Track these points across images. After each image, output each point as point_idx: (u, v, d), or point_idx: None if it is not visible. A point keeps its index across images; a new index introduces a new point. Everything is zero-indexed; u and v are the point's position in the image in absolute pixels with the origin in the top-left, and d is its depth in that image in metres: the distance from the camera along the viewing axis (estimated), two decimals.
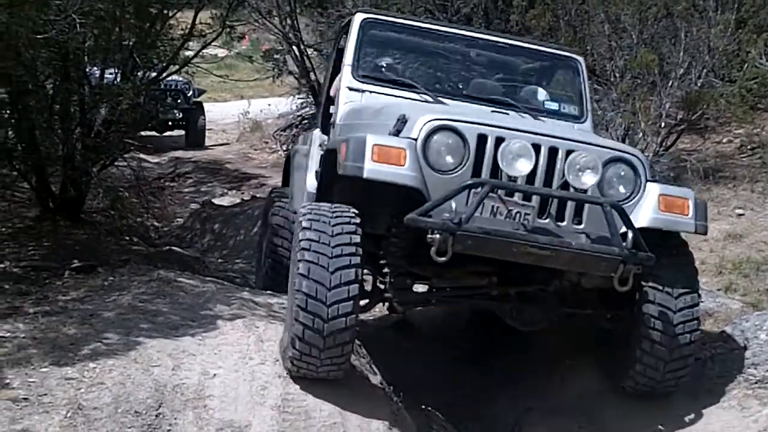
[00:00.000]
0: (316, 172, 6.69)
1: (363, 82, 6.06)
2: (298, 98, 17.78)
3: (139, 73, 9.42)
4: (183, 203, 13.75)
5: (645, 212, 4.84)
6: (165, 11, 8.80)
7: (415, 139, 4.69)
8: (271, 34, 16.00)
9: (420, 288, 5.59)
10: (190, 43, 9.91)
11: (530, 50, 6.98)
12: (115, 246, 8.91)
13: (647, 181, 4.93)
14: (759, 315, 5.82)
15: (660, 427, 5.32)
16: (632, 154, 5.00)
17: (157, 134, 17.15)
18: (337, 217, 4.73)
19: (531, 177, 4.76)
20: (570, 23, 10.39)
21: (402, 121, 4.86)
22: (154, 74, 9.70)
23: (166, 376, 4.80)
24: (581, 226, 4.78)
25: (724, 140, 11.96)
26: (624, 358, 5.23)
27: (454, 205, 4.51)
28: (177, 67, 9.92)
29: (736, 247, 7.88)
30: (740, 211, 8.98)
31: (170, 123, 17.56)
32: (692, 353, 5.09)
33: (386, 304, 5.45)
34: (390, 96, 5.97)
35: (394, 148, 4.62)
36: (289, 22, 15.70)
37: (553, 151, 4.79)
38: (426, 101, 5.94)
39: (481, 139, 4.73)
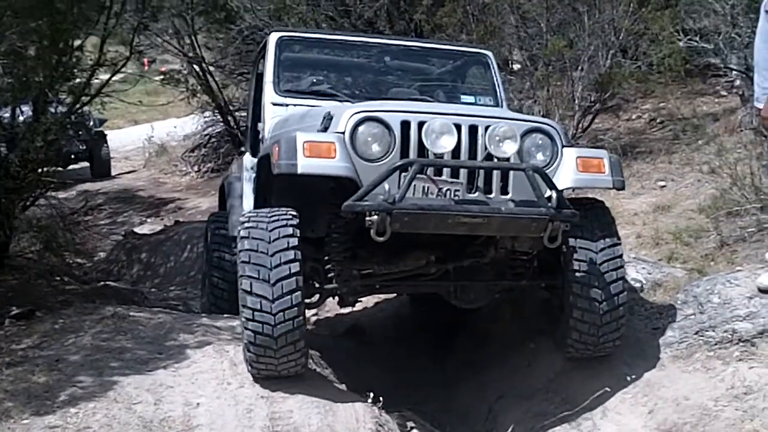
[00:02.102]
0: (253, 189, 6.82)
1: (285, 96, 6.30)
2: (204, 117, 17.71)
3: (51, 109, 9.25)
4: (102, 236, 13.55)
5: (565, 174, 5.13)
6: (72, 42, 8.64)
7: (343, 133, 4.89)
8: (171, 55, 15.83)
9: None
10: (99, 73, 9.76)
11: (442, 51, 7.39)
12: (48, 288, 8.74)
13: (564, 146, 5.22)
14: (708, 280, 6.04)
15: (630, 396, 5.48)
16: (547, 124, 5.31)
17: (61, 168, 16.80)
18: (274, 221, 4.95)
19: (456, 153, 4.99)
20: (479, 18, 10.58)
21: (328, 118, 5.07)
22: (65, 108, 9.54)
23: (150, 411, 4.83)
24: (508, 196, 5.02)
25: (634, 116, 12.39)
26: (561, 319, 5.51)
27: (387, 186, 4.72)
28: (88, 99, 9.72)
29: (666, 218, 8.15)
30: (662, 183, 9.28)
31: (73, 156, 17.23)
32: (622, 307, 5.34)
33: (336, 298, 5.73)
34: (310, 106, 6.15)
35: (324, 143, 4.82)
36: (188, 41, 15.66)
37: (473, 128, 5.03)
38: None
39: (405, 125, 4.94)
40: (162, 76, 16.66)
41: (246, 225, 4.95)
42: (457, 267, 5.53)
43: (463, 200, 4.91)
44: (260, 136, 6.28)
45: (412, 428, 5.62)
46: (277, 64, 6.40)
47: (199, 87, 16.45)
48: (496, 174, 5.02)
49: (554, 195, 4.90)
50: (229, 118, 16.93)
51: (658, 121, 11.91)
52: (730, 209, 7.32)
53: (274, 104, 6.25)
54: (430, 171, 4.90)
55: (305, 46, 6.94)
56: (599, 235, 5.32)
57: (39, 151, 8.85)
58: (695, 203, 8.10)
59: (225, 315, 6.69)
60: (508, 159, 5.00)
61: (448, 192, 4.91)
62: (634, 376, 5.61)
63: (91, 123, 16.95)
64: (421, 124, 4.91)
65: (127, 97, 10.66)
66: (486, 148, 4.97)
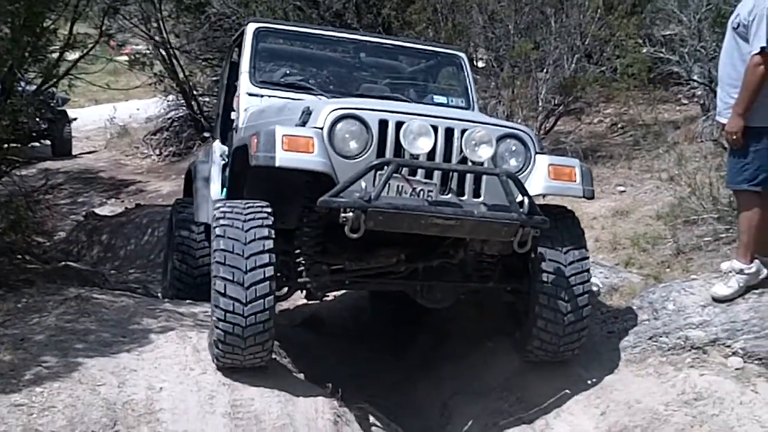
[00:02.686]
0: (223, 179, 6.87)
1: (261, 87, 6.33)
2: (167, 101, 17.68)
3: (18, 88, 9.21)
4: (62, 216, 13.47)
5: (537, 181, 5.22)
6: (46, 24, 8.62)
7: (321, 128, 4.93)
8: (138, 38, 15.77)
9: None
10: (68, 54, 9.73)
11: (416, 50, 7.45)
12: (9, 266, 8.70)
13: (536, 153, 5.31)
14: (664, 287, 6.19)
15: (584, 398, 5.60)
16: (521, 130, 5.38)
17: (22, 146, 16.66)
18: (250, 219, 4.99)
19: (431, 155, 5.06)
20: (447, 17, 10.69)
21: (307, 113, 5.11)
22: (33, 88, 9.52)
23: (113, 394, 4.88)
24: (480, 199, 5.11)
25: (596, 121, 12.56)
26: (524, 324, 5.62)
27: (363, 184, 4.81)
28: (55, 79, 9.69)
29: (625, 223, 8.31)
30: (621, 188, 9.45)
31: (34, 134, 17.07)
32: (586, 315, 5.46)
33: (303, 291, 5.78)
34: (287, 99, 6.20)
35: (303, 137, 4.86)
36: (155, 25, 15.63)
37: (449, 131, 5.10)
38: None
39: (383, 124, 5.00)
40: (126, 58, 16.61)
41: (221, 222, 4.97)
42: (426, 266, 5.61)
43: (436, 201, 4.96)
44: (234, 125, 6.31)
45: (368, 421, 5.69)
46: (253, 54, 6.43)
47: (164, 71, 16.44)
48: (469, 177, 5.09)
49: (526, 201, 5.00)
50: (193, 103, 16.94)
51: (619, 126, 12.11)
52: (688, 218, 7.48)
53: (250, 94, 6.28)
54: (404, 171, 4.97)
55: (282, 38, 6.99)
56: (569, 246, 5.41)
57: (6, 129, 8.83)
58: (653, 210, 8.25)
59: (187, 301, 6.73)
60: (482, 163, 5.08)
61: (422, 192, 4.96)
62: (588, 379, 5.73)
63: (54, 102, 16.96)
64: (399, 124, 4.98)
65: (93, 79, 10.61)
66: (461, 152, 5.06)
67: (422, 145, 4.94)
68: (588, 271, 5.49)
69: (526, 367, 5.99)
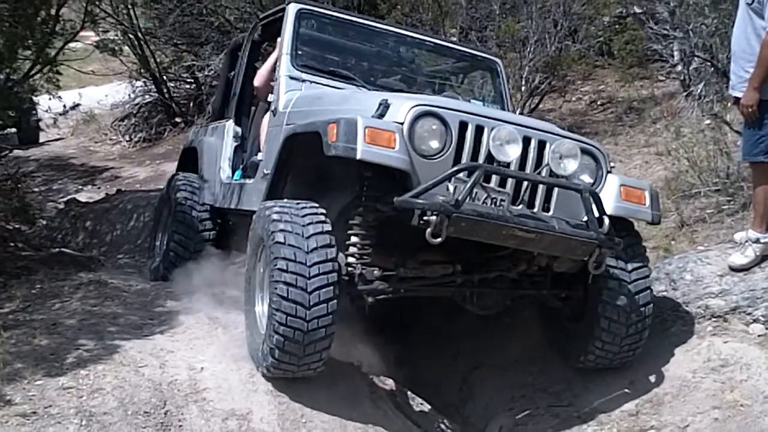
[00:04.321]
0: (236, 161, 6.87)
1: (302, 72, 6.12)
2: (135, 87, 17.55)
3: (1, 75, 9.10)
4: (38, 204, 13.29)
5: (608, 201, 5.08)
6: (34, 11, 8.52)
7: (402, 123, 4.73)
8: (107, 23, 15.57)
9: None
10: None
11: (454, 50, 7.29)
12: (4, 254, 8.65)
13: (607, 172, 5.24)
14: (680, 258, 6.30)
15: (610, 369, 5.65)
16: (596, 147, 5.29)
17: None
18: (309, 224, 4.79)
19: (522, 165, 4.92)
20: None
21: (385, 106, 4.89)
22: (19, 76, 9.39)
23: (157, 374, 4.90)
24: (549, 213, 5.00)
25: (574, 98, 12.70)
26: (579, 336, 5.51)
27: (451, 188, 4.60)
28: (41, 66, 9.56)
29: None
30: (611, 164, 9.55)
31: (1, 122, 16.80)
32: (647, 325, 5.43)
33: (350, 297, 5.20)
34: (328, 86, 6.08)
35: (386, 131, 4.64)
36: (124, 9, 15.50)
37: (541, 142, 4.96)
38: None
39: (463, 126, 4.85)
40: (95, 43, 16.39)
41: (280, 227, 4.77)
42: (483, 277, 5.39)
43: (520, 213, 4.83)
44: (272, 107, 6.12)
45: (401, 398, 5.74)
46: (295, 37, 6.20)
47: (134, 56, 16.33)
48: (541, 189, 4.96)
49: (606, 221, 4.85)
50: (164, 88, 16.83)
51: (599, 103, 12.27)
52: (687, 191, 7.64)
53: (291, 78, 6.06)
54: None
55: (323, 22, 6.62)
56: (632, 256, 5.34)
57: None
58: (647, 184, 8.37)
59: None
60: (566, 177, 4.92)
61: (495, 200, 4.77)
62: None
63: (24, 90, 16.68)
64: (479, 128, 4.84)
65: (68, 67, 10.44)
66: (543, 162, 4.93)
67: (512, 153, 4.79)
68: (650, 284, 5.47)
69: (546, 341, 6.05)
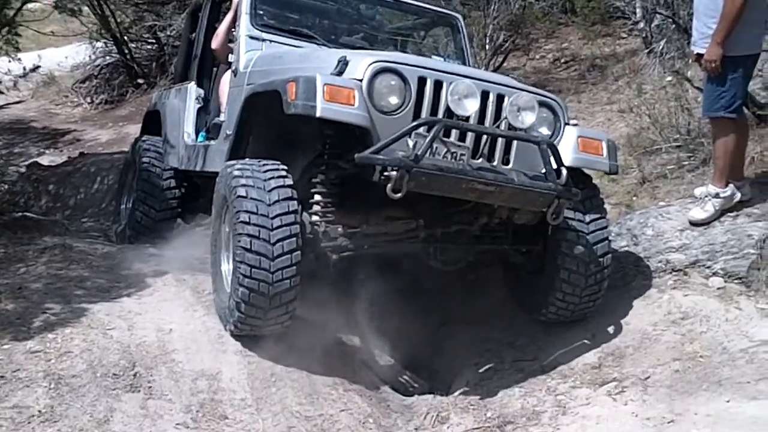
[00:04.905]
0: (199, 123, 6.87)
1: (262, 31, 6.12)
2: (95, 48, 17.36)
3: None
4: (1, 168, 13.18)
5: (566, 152, 5.14)
6: None
7: (360, 80, 4.75)
8: None
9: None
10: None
11: (415, 7, 7.22)
12: None
13: (565, 124, 5.29)
14: (641, 213, 6.42)
15: (573, 322, 5.75)
16: (554, 99, 5.33)
17: None
18: (270, 179, 4.86)
19: (480, 118, 4.96)
20: None
21: (344, 63, 4.90)
22: None
23: (126, 337, 4.94)
24: (509, 166, 5.05)
25: (538, 57, 12.73)
26: (540, 289, 5.61)
27: (411, 143, 4.65)
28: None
29: None
30: (574, 122, 9.58)
31: None
32: (606, 276, 5.54)
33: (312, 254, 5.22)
34: (288, 45, 6.08)
35: (345, 88, 4.66)
36: None
37: (499, 96, 5.00)
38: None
39: (421, 81, 4.87)
40: (54, 3, 16.18)
41: (242, 182, 4.85)
42: (444, 232, 5.45)
43: (480, 166, 4.87)
44: (233, 68, 6.13)
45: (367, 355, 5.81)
46: None
47: (93, 16, 16.14)
48: (500, 143, 5.00)
49: (563, 172, 4.95)
50: (125, 49, 16.66)
51: (562, 61, 12.31)
52: (648, 147, 7.73)
53: (251, 37, 6.07)
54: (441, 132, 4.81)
55: None
56: (590, 210, 5.43)
57: None
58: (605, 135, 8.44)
59: (171, 246, 6.74)
60: (524, 129, 4.97)
61: (455, 154, 4.81)
62: None
63: None
64: (438, 83, 4.86)
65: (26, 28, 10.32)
66: (501, 116, 4.96)
67: (469, 107, 4.82)
68: (608, 234, 5.55)
69: (510, 297, 6.13)
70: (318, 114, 4.61)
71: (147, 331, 5.03)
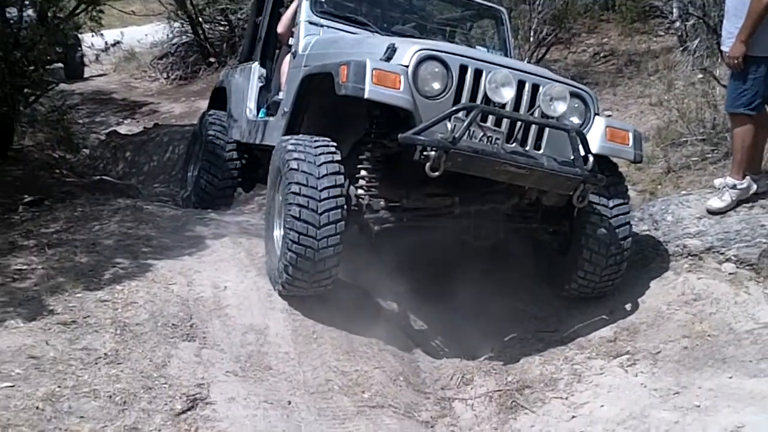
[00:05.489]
0: (260, 101, 6.97)
1: (321, 17, 6.19)
2: (172, 28, 17.59)
3: (49, 13, 9.16)
4: (82, 135, 13.44)
5: (594, 141, 5.15)
6: None
7: (407, 66, 4.82)
8: None
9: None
10: None
11: (463, 1, 7.30)
12: (51, 179, 8.84)
13: (595, 114, 5.30)
14: (663, 200, 6.41)
15: (594, 299, 5.81)
16: (585, 91, 5.34)
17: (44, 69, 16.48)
18: (321, 152, 4.97)
19: (516, 105, 4.98)
20: None
21: (392, 49, 4.98)
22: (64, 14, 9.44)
23: (185, 291, 5.10)
24: (540, 151, 5.09)
25: (579, 50, 12.64)
26: (564, 267, 5.67)
27: (450, 126, 4.75)
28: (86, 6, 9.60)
29: None
30: (608, 113, 9.57)
31: (49, 57, 16.87)
32: (626, 258, 5.57)
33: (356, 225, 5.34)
34: (344, 31, 6.15)
35: (391, 73, 4.74)
36: None
37: (534, 85, 5.03)
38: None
39: (462, 69, 4.90)
40: None
41: (294, 155, 4.95)
42: (478, 209, 5.48)
43: (513, 150, 4.92)
44: (293, 50, 6.19)
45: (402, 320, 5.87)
46: None
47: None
48: (533, 129, 5.02)
49: (590, 158, 5.01)
50: (199, 30, 16.86)
51: (601, 55, 12.23)
52: (676, 139, 7.70)
53: (310, 23, 6.14)
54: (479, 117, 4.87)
55: None
56: (614, 194, 5.45)
57: (42, 52, 8.86)
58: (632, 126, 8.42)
59: (229, 211, 6.88)
60: (556, 118, 4.99)
61: (491, 139, 4.91)
62: None
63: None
64: (478, 72, 4.91)
65: (110, 7, 10.48)
66: (535, 104, 4.99)
67: (506, 95, 4.86)
68: (630, 219, 5.57)
69: (537, 272, 6.17)
70: (366, 96, 4.70)
71: (204, 287, 5.17)
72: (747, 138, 5.86)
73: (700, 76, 8.59)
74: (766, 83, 5.84)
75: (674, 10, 10.58)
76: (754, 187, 5.98)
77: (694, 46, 9.69)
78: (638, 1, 10.13)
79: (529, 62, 10.39)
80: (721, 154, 7.09)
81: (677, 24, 10.76)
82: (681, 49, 10.34)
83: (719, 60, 7.64)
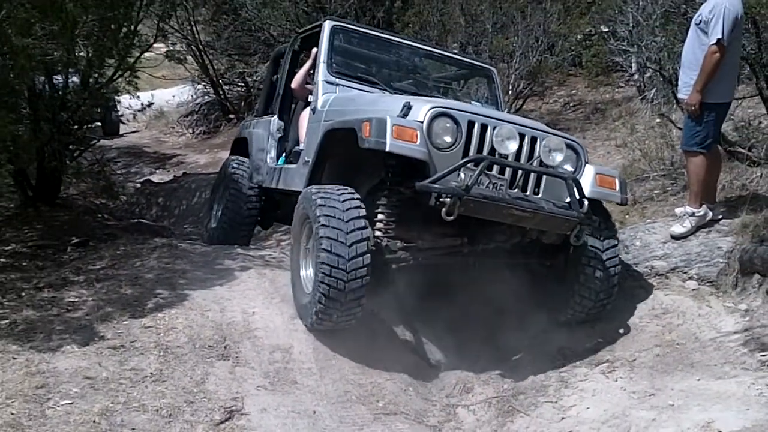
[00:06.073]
0: (278, 149, 6.99)
1: (336, 77, 6.16)
2: (196, 89, 17.71)
3: (91, 79, 9.23)
4: (119, 184, 13.46)
5: (586, 186, 5.12)
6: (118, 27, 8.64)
7: (422, 122, 4.83)
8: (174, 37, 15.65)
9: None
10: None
11: (457, 60, 7.34)
12: (94, 223, 8.84)
13: (585, 163, 5.32)
14: (631, 228, 6.45)
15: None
16: (576, 143, 5.35)
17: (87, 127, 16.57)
18: (345, 198, 4.88)
19: (517, 156, 4.99)
20: (439, 19, 10.84)
21: (407, 107, 4.98)
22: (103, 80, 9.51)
23: (218, 317, 5.08)
24: (539, 196, 5.10)
25: (551, 101, 12.74)
26: (561, 296, 5.61)
27: (462, 175, 4.73)
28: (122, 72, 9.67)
29: None
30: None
31: (88, 117, 16.95)
32: (615, 285, 5.51)
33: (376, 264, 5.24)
34: (356, 89, 6.12)
35: (409, 128, 4.73)
36: (188, 26, 15.66)
37: (533, 138, 5.06)
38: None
39: (471, 124, 4.93)
40: (165, 53, 16.49)
41: (320, 195, 4.89)
42: (484, 247, 5.42)
43: (517, 196, 4.93)
44: (312, 106, 6.15)
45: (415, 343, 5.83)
46: (330, 48, 6.23)
47: (195, 64, 16.47)
48: (533, 176, 5.04)
49: (585, 203, 4.97)
50: (220, 90, 16.97)
51: (571, 105, 12.33)
52: (639, 175, 7.75)
53: (327, 82, 6.11)
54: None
55: (352, 35, 6.60)
56: (606, 237, 5.41)
57: (85, 113, 8.93)
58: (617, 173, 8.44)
59: (253, 246, 6.87)
60: (554, 167, 5.03)
61: (496, 185, 4.88)
62: None
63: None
64: (483, 126, 4.94)
65: (143, 72, 10.57)
66: (535, 155, 5.03)
67: (510, 147, 4.91)
68: (618, 254, 5.52)
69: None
70: (387, 149, 4.67)
71: (235, 313, 5.16)
72: (701, 172, 5.92)
73: (658, 120, 8.65)
74: (717, 126, 5.92)
75: (633, 65, 10.64)
76: (710, 214, 6.03)
77: (652, 94, 9.77)
78: (601, 57, 10.17)
79: (509, 112, 10.48)
80: (680, 187, 7.12)
81: (636, 76, 10.86)
82: (640, 97, 10.43)
83: (674, 106, 7.70)
